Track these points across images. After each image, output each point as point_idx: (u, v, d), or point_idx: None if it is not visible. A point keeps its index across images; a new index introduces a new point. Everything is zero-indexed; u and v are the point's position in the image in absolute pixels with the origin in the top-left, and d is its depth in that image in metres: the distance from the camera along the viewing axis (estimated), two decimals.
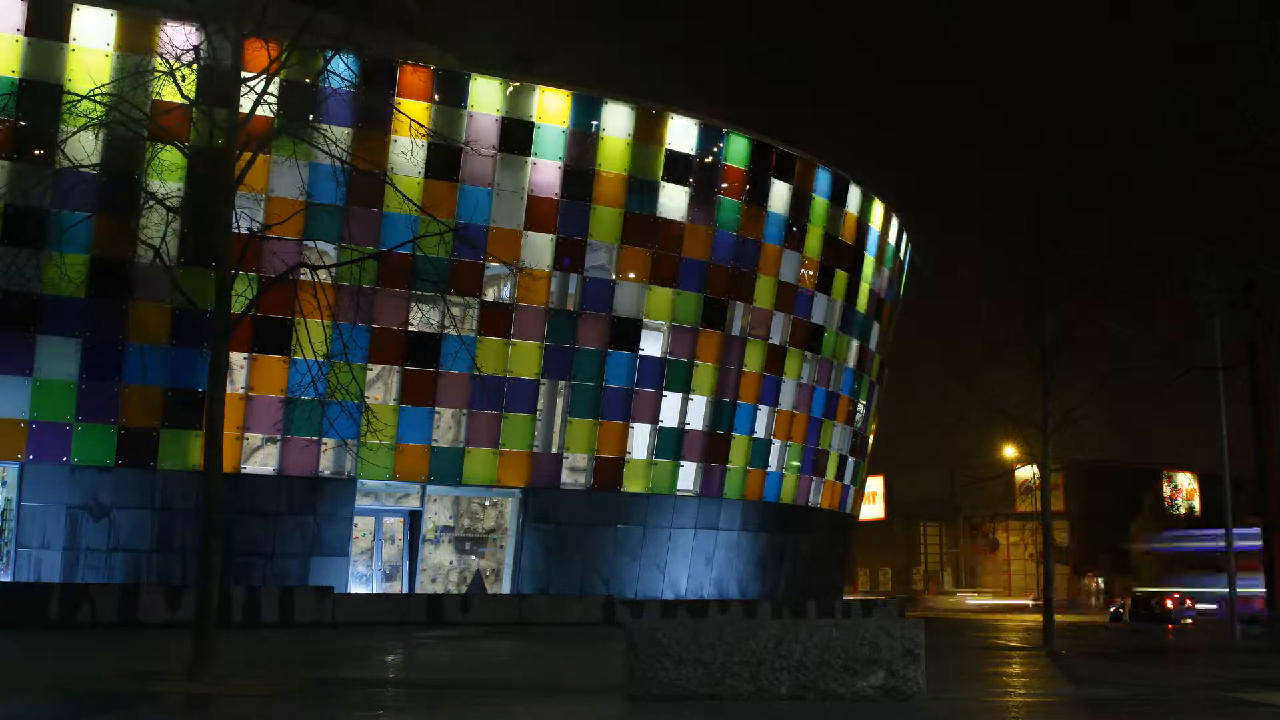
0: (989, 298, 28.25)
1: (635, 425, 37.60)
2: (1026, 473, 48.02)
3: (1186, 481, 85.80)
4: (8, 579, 30.39)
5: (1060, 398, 27.44)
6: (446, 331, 33.82)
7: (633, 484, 37.72)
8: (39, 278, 29.24)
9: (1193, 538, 65.71)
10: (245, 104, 17.19)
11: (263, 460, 33.18)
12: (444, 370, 34.34)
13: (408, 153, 33.30)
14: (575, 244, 36.31)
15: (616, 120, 36.89)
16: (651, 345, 37.95)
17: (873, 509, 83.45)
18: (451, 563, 37.64)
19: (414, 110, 33.89)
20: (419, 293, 33.74)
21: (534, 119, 35.55)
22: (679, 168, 37.86)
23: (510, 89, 35.45)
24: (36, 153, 30.22)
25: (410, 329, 34.27)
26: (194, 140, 26.85)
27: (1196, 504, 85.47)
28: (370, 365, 33.39)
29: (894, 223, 47.79)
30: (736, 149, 39.48)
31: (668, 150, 37.61)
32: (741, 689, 13.45)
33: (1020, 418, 28.21)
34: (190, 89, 17.54)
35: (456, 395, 34.82)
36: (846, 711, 12.76)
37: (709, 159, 38.84)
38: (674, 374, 38.31)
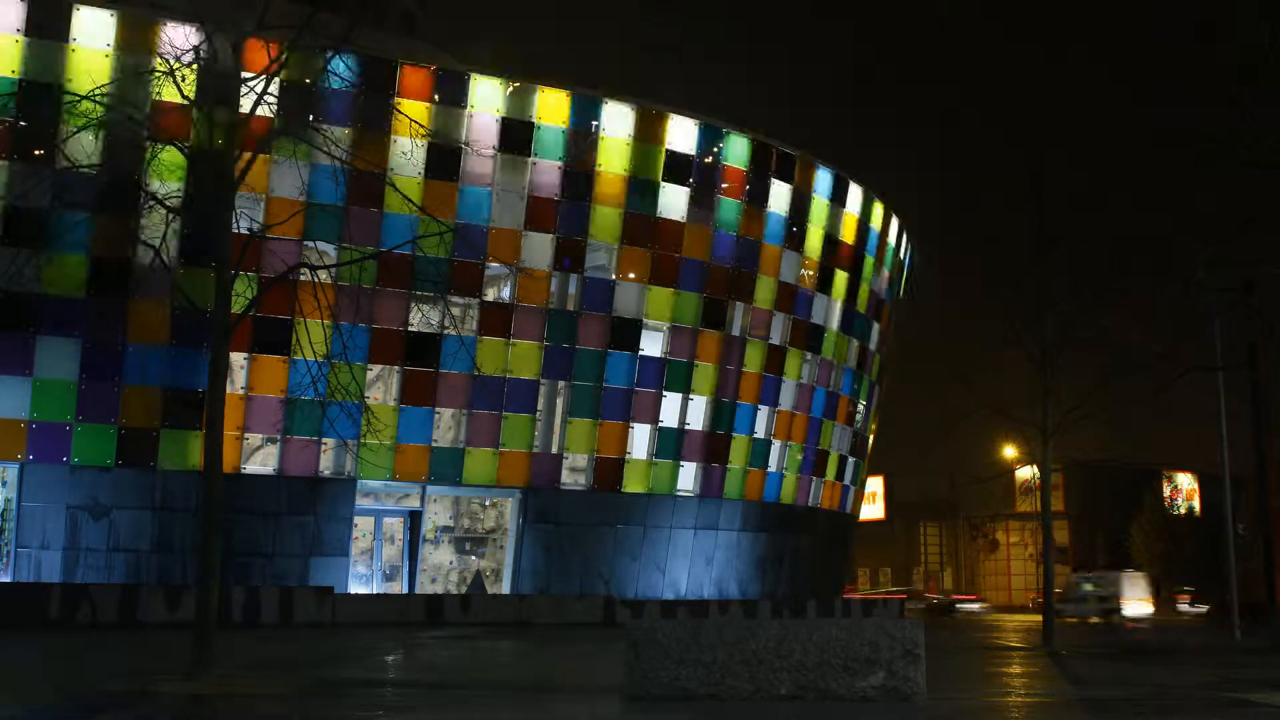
0: (989, 298, 28.21)
1: (635, 425, 37.59)
2: (1026, 473, 48.04)
3: (1186, 481, 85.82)
4: (8, 579, 30.40)
5: (1060, 398, 27.40)
6: (446, 331, 33.82)
7: (633, 484, 37.71)
8: (39, 278, 29.24)
9: None
10: (245, 104, 17.19)
11: (263, 460, 33.18)
12: (444, 370, 34.34)
13: (408, 153, 33.31)
14: (575, 244, 36.30)
15: (616, 120, 36.89)
16: (651, 345, 37.94)
17: (873, 509, 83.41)
18: (451, 563, 37.64)
19: (414, 110, 33.90)
20: (419, 293, 33.77)
21: (534, 119, 35.55)
22: (679, 168, 37.86)
23: (510, 89, 35.45)
24: (36, 153, 30.22)
25: (410, 329, 34.27)
26: (194, 140, 26.87)
27: (1196, 504, 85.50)
28: (370, 365, 33.39)
29: (894, 223, 47.78)
30: (736, 149, 39.48)
31: (668, 150, 37.61)
32: (741, 689, 13.44)
33: (1020, 418, 28.18)
34: (190, 89, 17.52)
35: (456, 395, 34.81)
36: (846, 711, 12.76)
37: (709, 159, 38.83)
38: (674, 374, 38.30)
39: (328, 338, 20.84)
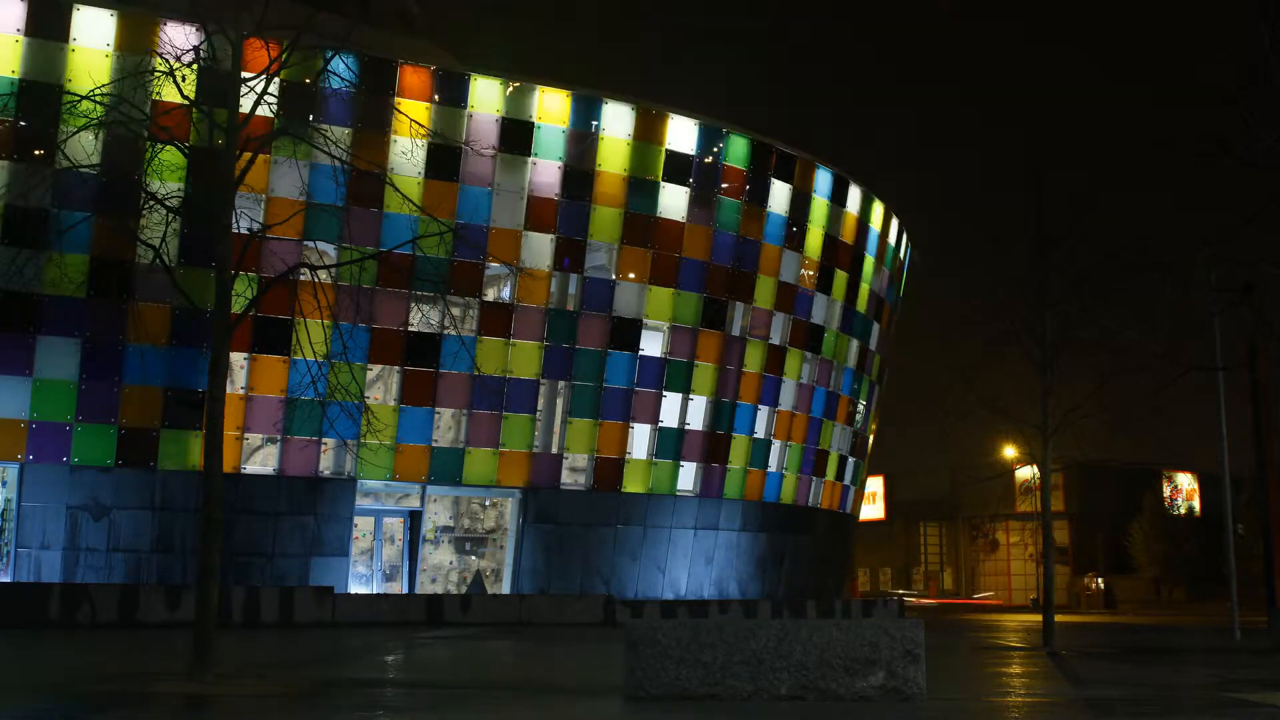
0: (989, 298, 28.16)
1: (635, 425, 37.60)
2: (1026, 473, 47.98)
3: (1186, 481, 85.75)
4: (8, 579, 30.40)
5: (1060, 398, 27.39)
6: (446, 331, 33.82)
7: (633, 484, 37.72)
8: (39, 278, 29.24)
9: None
10: (245, 104, 17.20)
11: (263, 460, 33.18)
12: (444, 370, 34.35)
13: (408, 153, 33.31)
14: (575, 244, 36.31)
15: (616, 120, 36.89)
16: (651, 345, 37.95)
17: (873, 509, 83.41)
18: (451, 563, 37.65)
19: (414, 110, 33.91)
20: (419, 293, 33.78)
21: (534, 119, 35.55)
22: (679, 168, 37.86)
23: (510, 89, 35.46)
24: (36, 153, 30.24)
25: (410, 329, 34.27)
26: (194, 140, 26.90)
27: (1196, 504, 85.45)
28: (370, 365, 33.40)
29: (894, 222, 47.80)
30: (736, 149, 39.48)
31: (668, 150, 37.61)
32: (741, 689, 13.45)
33: (1020, 418, 28.17)
34: (190, 89, 17.52)
35: (456, 395, 34.82)
36: (846, 711, 12.76)
37: (709, 159, 38.84)
38: (674, 374, 38.31)
39: (328, 338, 20.85)
